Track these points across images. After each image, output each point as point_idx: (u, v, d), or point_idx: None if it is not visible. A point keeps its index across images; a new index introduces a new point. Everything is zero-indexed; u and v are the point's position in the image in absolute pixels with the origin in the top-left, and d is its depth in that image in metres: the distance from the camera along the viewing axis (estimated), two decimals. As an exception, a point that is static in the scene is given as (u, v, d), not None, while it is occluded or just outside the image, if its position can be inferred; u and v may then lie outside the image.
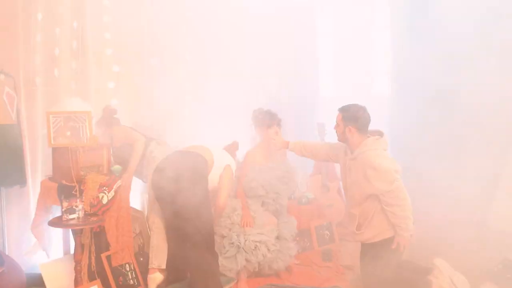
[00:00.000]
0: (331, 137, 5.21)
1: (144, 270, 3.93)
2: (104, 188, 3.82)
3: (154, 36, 5.47)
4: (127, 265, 3.89)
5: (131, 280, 3.88)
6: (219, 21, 5.85)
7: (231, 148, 4.23)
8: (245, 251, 3.90)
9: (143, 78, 5.42)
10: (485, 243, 4.44)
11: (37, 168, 4.43)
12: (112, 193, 3.84)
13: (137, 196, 4.77)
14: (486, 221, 4.80)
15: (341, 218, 5.43)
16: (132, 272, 3.90)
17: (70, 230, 3.81)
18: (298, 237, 4.67)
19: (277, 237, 4.15)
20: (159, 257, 3.79)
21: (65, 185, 3.78)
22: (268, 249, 3.94)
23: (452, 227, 4.68)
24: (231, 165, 3.98)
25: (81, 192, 3.72)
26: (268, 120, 4.29)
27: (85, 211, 3.62)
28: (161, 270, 3.81)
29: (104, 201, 3.79)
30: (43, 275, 3.71)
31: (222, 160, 3.94)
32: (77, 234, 3.56)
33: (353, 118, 3.56)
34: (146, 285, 3.86)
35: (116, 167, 4.10)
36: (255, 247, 3.91)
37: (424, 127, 5.20)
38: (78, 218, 3.53)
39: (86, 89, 4.75)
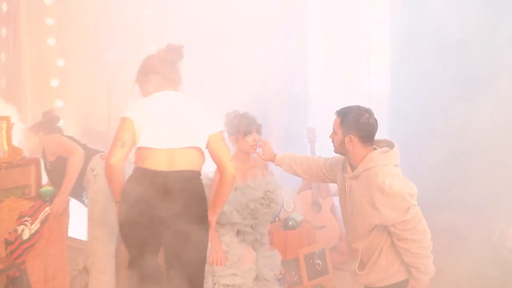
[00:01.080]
0: (324, 145, 4.59)
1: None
2: (26, 218, 2.89)
3: (109, 22, 4.57)
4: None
5: None
6: (190, 7, 4.98)
7: None
8: (214, 299, 3.02)
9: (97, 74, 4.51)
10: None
11: None
12: (36, 225, 2.92)
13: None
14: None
15: (335, 241, 4.60)
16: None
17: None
18: (284, 269, 3.79)
19: (256, 278, 3.26)
20: None
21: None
22: (244, 296, 3.07)
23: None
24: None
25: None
26: (244, 125, 3.39)
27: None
28: None
29: (25, 236, 2.86)
30: None
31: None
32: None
33: (355, 124, 2.73)
34: None
35: (46, 189, 3.17)
36: (227, 294, 3.03)
37: (427, 129, 5.14)
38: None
39: (17, 85, 3.84)
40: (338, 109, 2.84)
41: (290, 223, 4.07)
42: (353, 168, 2.83)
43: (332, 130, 2.85)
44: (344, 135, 2.75)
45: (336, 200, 4.83)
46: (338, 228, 4.61)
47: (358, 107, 2.79)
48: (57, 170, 3.33)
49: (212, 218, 2.87)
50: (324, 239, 4.46)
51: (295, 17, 5.82)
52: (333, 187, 4.95)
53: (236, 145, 3.48)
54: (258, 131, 3.43)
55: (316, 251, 4.08)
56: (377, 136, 5.56)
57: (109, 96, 4.61)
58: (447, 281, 3.94)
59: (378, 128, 2.80)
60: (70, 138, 3.50)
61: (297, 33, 5.78)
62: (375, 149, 2.79)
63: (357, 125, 2.72)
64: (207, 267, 3.13)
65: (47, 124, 3.55)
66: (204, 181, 3.60)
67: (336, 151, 2.88)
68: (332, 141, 2.87)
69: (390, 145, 2.80)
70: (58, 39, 4.22)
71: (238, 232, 3.39)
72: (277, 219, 4.18)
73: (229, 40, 5.28)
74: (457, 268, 4.17)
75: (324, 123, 5.43)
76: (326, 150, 4.99)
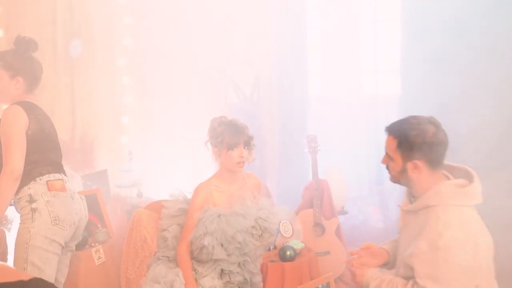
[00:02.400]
0: (327, 156, 3.97)
1: None
2: None
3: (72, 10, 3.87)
4: None
5: None
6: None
7: None
8: None
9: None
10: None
11: None
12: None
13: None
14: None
15: (342, 270, 3.92)
16: None
17: None
18: (280, 311, 3.09)
19: (245, 334, 2.56)
20: None
21: None
22: None
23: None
24: None
25: None
26: (229, 136, 2.69)
27: None
28: None
29: None
30: None
31: None
32: None
33: (419, 146, 2.03)
34: None
35: None
36: None
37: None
38: None
39: None
40: (389, 125, 2.15)
41: (288, 253, 3.35)
42: (412, 199, 2.15)
43: (385, 154, 2.16)
44: (406, 161, 2.06)
45: (342, 221, 4.17)
46: (344, 253, 3.91)
47: (416, 119, 2.08)
48: None
49: None
50: (329, 268, 3.76)
51: (293, 8, 5.15)
52: (338, 204, 4.29)
53: (219, 160, 2.77)
54: (247, 145, 2.72)
55: (320, 287, 3.37)
56: (383, 140, 4.86)
57: (73, 97, 3.90)
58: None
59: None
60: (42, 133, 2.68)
61: (295, 26, 5.12)
62: (447, 177, 2.11)
63: (422, 146, 2.02)
64: (180, 323, 2.44)
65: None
66: (181, 205, 2.94)
67: (393, 180, 2.19)
68: (388, 169, 2.18)
69: (469, 177, 2.09)
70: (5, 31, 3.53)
71: (222, 272, 2.70)
72: (272, 247, 3.47)
73: (217, 34, 4.60)
74: None
75: (327, 129, 4.90)
76: (329, 161, 4.39)
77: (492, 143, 4.45)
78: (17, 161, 2.49)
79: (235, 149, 2.68)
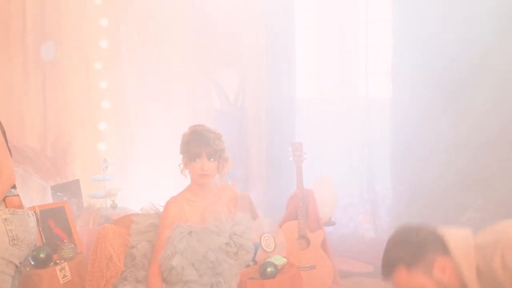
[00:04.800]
0: (312, 164, 3.81)
1: None
2: None
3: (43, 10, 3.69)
4: None
5: None
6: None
7: None
8: None
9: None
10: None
11: None
12: None
13: None
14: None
15: (328, 285, 3.75)
16: None
17: None
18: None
19: None
20: None
21: None
22: None
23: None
24: None
25: None
26: (192, 146, 2.53)
27: None
28: None
29: None
30: None
31: None
32: None
33: (424, 246, 1.78)
34: None
35: None
36: None
37: (432, 135, 4.61)
38: None
39: None
40: (382, 267, 1.87)
41: (269, 269, 3.13)
42: None
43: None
44: (430, 273, 1.75)
45: (328, 233, 3.98)
46: (331, 267, 3.75)
47: (404, 227, 1.87)
48: None
49: None
50: (314, 283, 3.62)
51: (282, 10, 4.99)
52: (325, 215, 4.10)
53: (188, 170, 2.60)
54: (213, 157, 2.53)
55: (303, 306, 3.17)
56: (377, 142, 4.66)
57: (44, 102, 3.68)
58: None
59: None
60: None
61: (283, 26, 4.96)
62: None
63: (426, 244, 1.77)
64: None
65: None
66: (152, 220, 2.75)
67: None
68: None
69: None
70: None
71: (194, 295, 2.50)
72: (252, 263, 3.27)
73: (200, 35, 4.42)
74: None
75: (316, 135, 4.73)
76: (314, 169, 4.22)
77: (487, 147, 4.35)
78: (10, 166, 2.35)
79: (197, 160, 2.52)
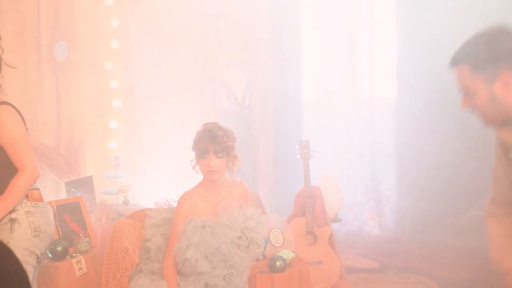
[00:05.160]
0: (319, 162, 3.86)
1: None
2: None
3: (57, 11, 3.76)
4: None
5: None
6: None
7: None
8: None
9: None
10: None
11: None
12: None
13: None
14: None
15: (335, 280, 3.80)
16: None
17: None
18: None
19: None
20: None
21: None
22: None
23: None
24: None
25: None
26: (201, 144, 2.62)
27: None
28: None
29: None
30: None
31: None
32: None
33: (499, 54, 1.60)
34: None
35: None
36: None
37: (438, 135, 4.62)
38: None
39: None
40: (452, 57, 1.74)
41: (278, 263, 3.23)
42: None
43: (463, 92, 1.73)
44: (490, 83, 1.61)
45: (334, 230, 4.05)
46: (337, 263, 3.80)
47: (476, 34, 1.66)
48: None
49: None
50: (321, 278, 3.66)
51: (287, 10, 5.03)
52: (331, 212, 4.17)
53: (199, 167, 2.69)
54: (220, 153, 2.61)
55: (311, 299, 3.25)
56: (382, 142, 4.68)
57: (58, 101, 3.76)
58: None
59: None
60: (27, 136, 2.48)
61: (288, 28, 5.00)
62: None
63: (502, 53, 1.56)
64: None
65: None
66: (165, 214, 2.83)
67: (489, 123, 1.74)
68: (473, 111, 1.75)
69: None
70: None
71: (207, 286, 2.58)
72: (261, 257, 3.35)
73: (209, 36, 4.49)
74: None
75: (322, 134, 4.79)
76: (320, 168, 4.28)
77: (492, 146, 4.39)
78: (35, 162, 2.42)
79: (206, 156, 2.60)
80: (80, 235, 3.16)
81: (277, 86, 4.87)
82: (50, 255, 2.91)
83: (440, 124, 4.64)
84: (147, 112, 4.40)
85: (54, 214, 2.99)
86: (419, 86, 4.72)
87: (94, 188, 3.81)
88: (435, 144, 4.63)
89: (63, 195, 3.70)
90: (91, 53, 4.09)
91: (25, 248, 2.33)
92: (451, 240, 4.45)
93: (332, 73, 5.08)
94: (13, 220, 2.34)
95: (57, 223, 3.04)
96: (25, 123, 2.46)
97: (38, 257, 2.43)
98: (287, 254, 3.36)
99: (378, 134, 5.02)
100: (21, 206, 2.38)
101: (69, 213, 3.19)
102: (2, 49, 2.44)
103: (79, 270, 2.96)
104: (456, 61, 1.71)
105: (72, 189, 3.62)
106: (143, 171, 4.26)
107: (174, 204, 2.81)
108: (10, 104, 2.40)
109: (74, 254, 3.03)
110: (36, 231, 2.37)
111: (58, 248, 2.92)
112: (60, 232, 3.08)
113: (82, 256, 3.02)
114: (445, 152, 4.56)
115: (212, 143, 2.59)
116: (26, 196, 2.42)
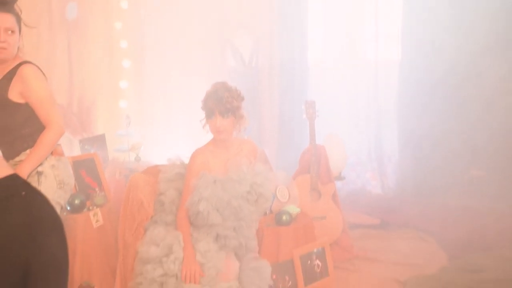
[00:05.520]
0: (325, 121, 3.96)
1: None
2: None
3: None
4: None
5: None
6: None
7: None
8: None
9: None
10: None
11: None
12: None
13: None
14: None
15: (338, 234, 3.95)
16: None
17: None
18: (276, 274, 3.14)
19: (239, 296, 2.62)
20: None
21: None
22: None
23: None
24: None
25: None
26: (208, 104, 2.72)
27: None
28: None
29: None
30: None
31: None
32: None
33: None
34: None
35: None
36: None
37: (440, 99, 4.70)
38: None
39: None
40: None
41: (284, 217, 3.38)
42: None
43: None
44: None
45: (338, 188, 4.19)
46: (340, 219, 3.95)
47: None
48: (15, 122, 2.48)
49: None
50: (325, 232, 3.79)
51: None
52: (335, 170, 4.30)
53: (208, 126, 2.80)
54: (225, 114, 2.70)
55: (315, 251, 3.42)
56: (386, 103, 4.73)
57: (70, 61, 3.85)
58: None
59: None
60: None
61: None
62: None
63: None
64: (175, 285, 2.49)
65: None
66: (178, 170, 2.96)
67: None
68: None
69: None
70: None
71: (218, 237, 2.73)
72: (268, 212, 3.50)
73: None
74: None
75: (327, 95, 4.86)
76: (327, 127, 4.38)
77: (502, 110, 4.47)
78: (61, 118, 2.55)
79: (212, 117, 2.70)
80: (96, 189, 3.30)
81: (284, 47, 4.91)
82: (68, 208, 3.06)
83: (443, 86, 4.70)
84: (157, 72, 4.48)
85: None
86: (424, 49, 4.76)
87: (107, 145, 3.94)
88: (438, 106, 4.70)
89: (76, 152, 3.83)
90: (101, 14, 4.15)
91: (51, 199, 2.47)
92: (450, 199, 4.55)
93: (338, 35, 5.12)
94: (39, 173, 2.47)
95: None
96: (47, 81, 2.57)
97: (62, 208, 2.59)
98: (293, 209, 3.51)
99: (382, 95, 5.08)
100: (47, 160, 2.52)
101: (85, 169, 3.33)
102: (20, 9, 2.52)
103: (96, 222, 3.11)
104: None
105: (86, 147, 3.75)
106: (153, 129, 4.37)
107: (186, 160, 2.94)
108: (32, 63, 2.51)
109: (90, 207, 3.18)
110: (60, 183, 2.51)
111: (76, 201, 3.06)
112: (77, 186, 3.22)
113: (98, 209, 3.17)
114: (447, 114, 4.65)
115: (218, 104, 2.68)
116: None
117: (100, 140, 3.85)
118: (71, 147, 3.95)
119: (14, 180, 1.51)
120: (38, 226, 1.46)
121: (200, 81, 3.88)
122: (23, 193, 1.49)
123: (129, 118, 3.99)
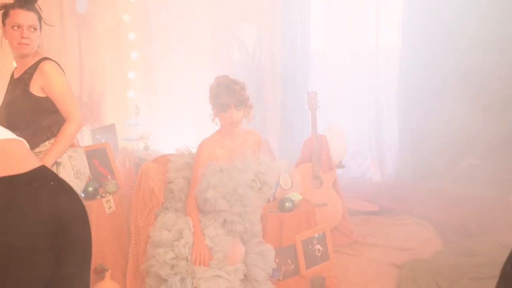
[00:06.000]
0: (326, 112, 4.08)
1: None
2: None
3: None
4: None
5: None
6: None
7: None
8: (193, 305, 2.57)
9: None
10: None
11: None
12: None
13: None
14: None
15: (338, 220, 4.11)
16: None
17: None
18: (279, 258, 3.31)
19: (245, 278, 2.78)
20: None
21: None
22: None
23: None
24: None
25: None
26: (221, 98, 2.84)
27: None
28: None
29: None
30: None
31: None
32: None
33: None
34: None
35: None
36: (209, 299, 2.57)
37: (442, 84, 4.75)
38: None
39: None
40: None
41: (287, 204, 3.54)
42: None
43: None
44: None
45: (338, 176, 4.34)
46: (341, 205, 4.10)
47: None
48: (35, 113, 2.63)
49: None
50: (326, 218, 3.94)
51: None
52: (336, 159, 4.45)
53: (219, 119, 2.95)
54: (239, 106, 2.85)
55: (316, 236, 3.58)
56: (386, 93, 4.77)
57: (80, 53, 3.99)
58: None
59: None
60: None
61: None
62: None
63: None
64: (185, 267, 2.67)
65: None
66: (186, 159, 3.11)
67: None
68: None
69: None
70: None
71: (225, 222, 2.90)
72: (272, 199, 3.67)
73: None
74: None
75: (329, 84, 4.97)
76: (328, 117, 4.51)
77: (498, 96, 4.49)
78: (80, 111, 2.69)
79: (227, 110, 2.84)
80: (108, 177, 3.46)
81: (286, 38, 5.02)
82: (83, 195, 3.21)
83: (444, 75, 4.77)
84: (163, 63, 4.61)
85: (85, 158, 3.29)
86: (425, 36, 4.81)
87: (117, 135, 4.09)
88: (438, 95, 4.79)
89: (87, 141, 3.98)
90: (110, 7, 4.27)
91: None
92: (448, 187, 4.65)
93: (340, 23, 5.18)
94: (58, 164, 2.61)
95: (88, 167, 3.33)
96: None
97: None
98: (295, 196, 3.67)
99: (382, 85, 5.18)
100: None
101: (97, 158, 3.48)
102: (40, 8, 2.67)
103: (108, 209, 3.27)
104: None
105: (97, 136, 3.90)
106: (161, 119, 4.52)
107: (193, 150, 3.10)
108: (52, 59, 2.66)
109: (103, 195, 3.33)
110: (77, 173, 2.66)
111: (90, 189, 3.21)
112: (90, 175, 3.37)
113: (111, 196, 3.32)
114: (446, 103, 4.70)
115: (232, 97, 2.82)
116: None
117: (110, 129, 4.00)
118: (81, 137, 4.09)
119: (43, 171, 1.67)
120: (66, 214, 1.62)
121: (205, 73, 4.00)
122: (52, 183, 1.65)
123: (137, 108, 4.13)
